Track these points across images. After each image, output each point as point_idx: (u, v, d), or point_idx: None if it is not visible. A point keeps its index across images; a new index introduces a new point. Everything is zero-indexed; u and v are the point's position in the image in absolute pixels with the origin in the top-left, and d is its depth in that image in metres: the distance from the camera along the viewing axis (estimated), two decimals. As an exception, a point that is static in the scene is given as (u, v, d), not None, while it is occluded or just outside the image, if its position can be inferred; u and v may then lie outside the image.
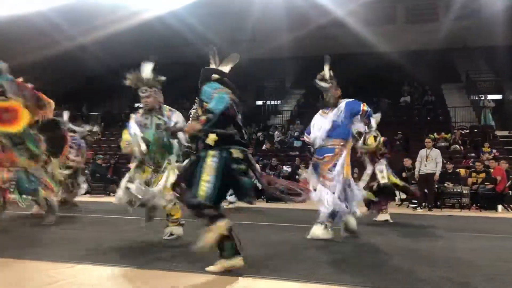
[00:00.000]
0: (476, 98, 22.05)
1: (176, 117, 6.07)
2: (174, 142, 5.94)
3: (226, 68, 4.83)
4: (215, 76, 4.59)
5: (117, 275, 4.20)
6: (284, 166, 17.08)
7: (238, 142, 4.23)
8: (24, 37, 22.12)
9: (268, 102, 25.44)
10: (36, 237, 6.12)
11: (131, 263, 4.53)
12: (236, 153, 4.18)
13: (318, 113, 6.65)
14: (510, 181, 12.75)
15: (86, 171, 14.31)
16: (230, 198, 10.93)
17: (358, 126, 6.45)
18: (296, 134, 20.58)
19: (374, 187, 8.56)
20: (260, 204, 13.05)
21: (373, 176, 8.57)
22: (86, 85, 28.90)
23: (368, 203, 8.66)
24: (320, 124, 6.42)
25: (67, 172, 9.26)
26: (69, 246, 5.47)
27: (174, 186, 5.09)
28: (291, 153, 19.18)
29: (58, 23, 22.54)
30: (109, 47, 25.65)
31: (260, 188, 12.30)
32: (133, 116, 6.22)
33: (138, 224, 7.53)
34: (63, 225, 7.49)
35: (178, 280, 4.02)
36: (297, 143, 19.85)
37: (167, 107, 6.21)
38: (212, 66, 4.83)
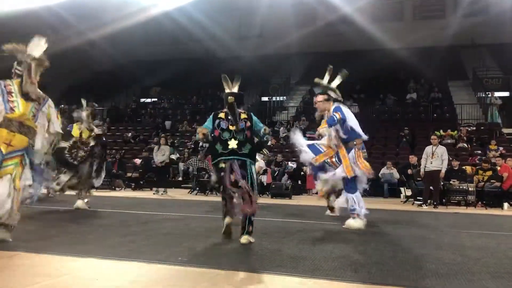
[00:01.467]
0: (483, 95, 21.95)
1: None
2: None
3: (235, 88, 5.86)
4: (231, 98, 5.59)
5: (121, 269, 4.22)
6: (289, 162, 17.06)
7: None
8: (32, 31, 22.15)
9: (274, 98, 25.41)
10: (42, 231, 6.15)
11: (136, 257, 4.55)
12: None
13: (345, 107, 7.02)
14: (517, 178, 12.69)
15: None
16: None
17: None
18: (301, 129, 20.55)
19: None
20: (265, 200, 13.07)
21: None
22: (93, 79, 29.00)
23: None
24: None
25: None
26: (74, 240, 5.50)
27: None
28: (296, 149, 19.13)
29: (67, 19, 22.61)
30: (117, 43, 25.71)
31: (265, 184, 12.33)
32: None
33: (143, 218, 7.58)
34: (68, 219, 7.54)
35: (182, 274, 4.04)
36: (302, 139, 19.81)
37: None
38: (227, 90, 5.80)
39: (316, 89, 7.14)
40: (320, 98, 7.14)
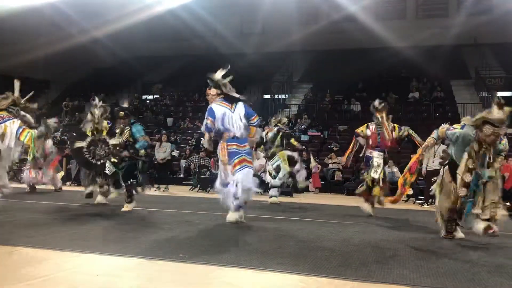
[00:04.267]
0: (486, 94, 21.88)
1: None
2: None
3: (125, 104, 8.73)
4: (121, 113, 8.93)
5: (122, 265, 4.23)
6: (290, 161, 17.02)
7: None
8: (36, 29, 22.20)
9: (276, 96, 25.35)
10: (43, 226, 6.16)
11: (137, 253, 4.56)
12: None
13: (218, 105, 7.01)
14: (519, 178, 12.64)
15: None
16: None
17: None
18: (303, 127, 20.58)
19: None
20: (266, 197, 13.05)
21: None
22: (95, 76, 29.01)
23: None
24: (238, 116, 7.00)
25: None
26: (76, 236, 5.50)
27: None
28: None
29: (70, 16, 22.63)
30: (119, 39, 25.69)
31: (266, 182, 12.26)
32: None
33: (145, 215, 7.59)
34: (69, 215, 7.55)
35: (182, 270, 4.05)
36: (304, 137, 19.82)
37: None
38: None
39: (210, 82, 7.30)
40: (213, 91, 7.26)
